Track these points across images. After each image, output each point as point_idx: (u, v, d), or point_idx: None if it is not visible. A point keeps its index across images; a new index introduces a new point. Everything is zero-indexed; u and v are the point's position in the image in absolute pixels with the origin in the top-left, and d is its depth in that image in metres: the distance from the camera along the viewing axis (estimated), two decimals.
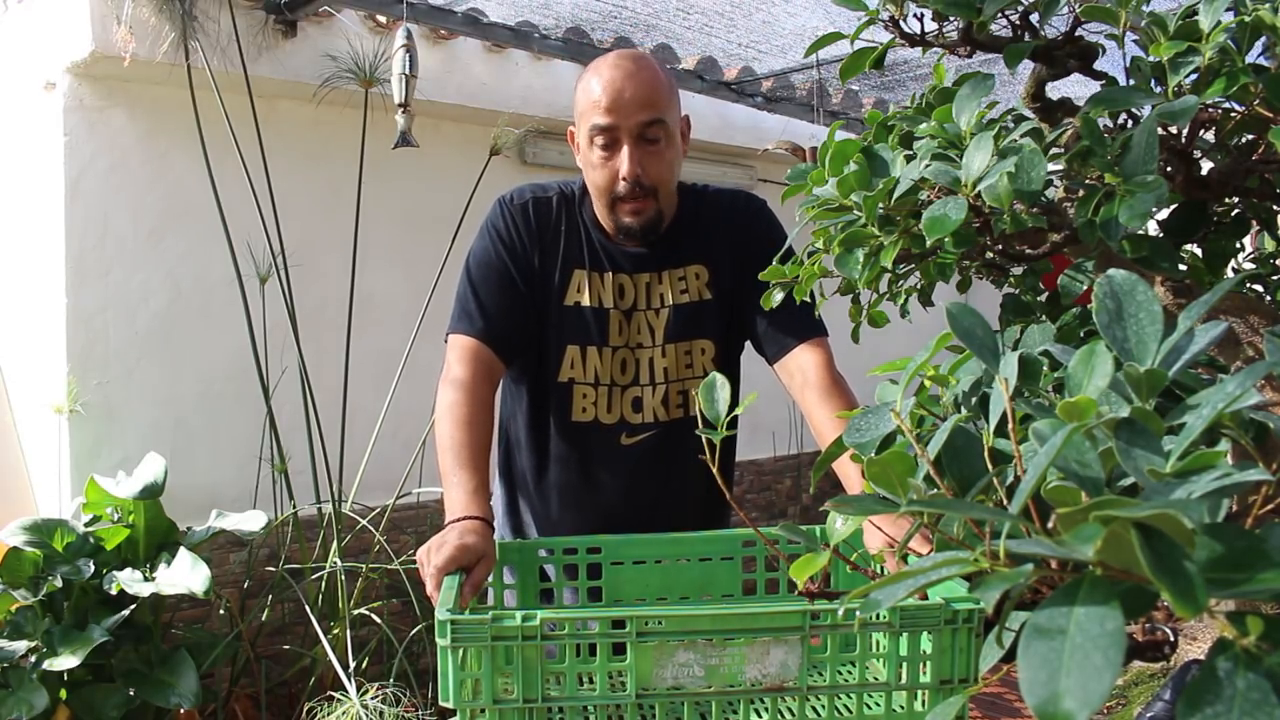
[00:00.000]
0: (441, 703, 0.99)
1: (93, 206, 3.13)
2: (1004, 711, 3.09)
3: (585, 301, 1.57)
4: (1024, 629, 0.46)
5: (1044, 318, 1.46)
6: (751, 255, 1.58)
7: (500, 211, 1.63)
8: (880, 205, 1.10)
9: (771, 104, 4.38)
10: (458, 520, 1.31)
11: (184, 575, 2.59)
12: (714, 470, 1.04)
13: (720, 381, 1.09)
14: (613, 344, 1.57)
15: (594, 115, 1.50)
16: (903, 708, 1.04)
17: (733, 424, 1.65)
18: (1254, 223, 1.28)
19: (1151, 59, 1.06)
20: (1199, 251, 1.32)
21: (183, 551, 2.66)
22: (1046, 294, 1.54)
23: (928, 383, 0.88)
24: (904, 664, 1.02)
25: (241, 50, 3.08)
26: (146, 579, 2.61)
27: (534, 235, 1.60)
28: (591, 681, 1.03)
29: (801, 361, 1.57)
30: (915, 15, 1.19)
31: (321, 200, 3.48)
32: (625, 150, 1.49)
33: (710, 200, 1.67)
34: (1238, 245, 1.29)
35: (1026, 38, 1.16)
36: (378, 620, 2.99)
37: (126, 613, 2.54)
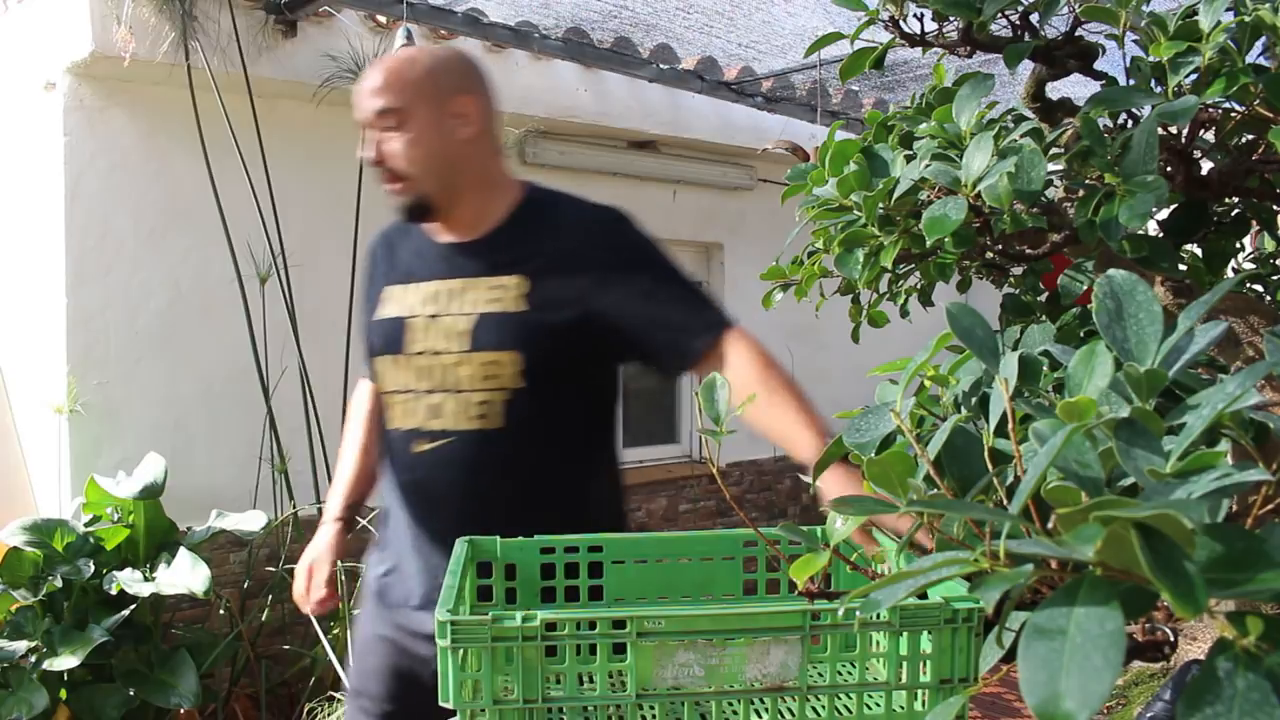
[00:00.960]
0: (442, 703, 0.99)
1: (93, 207, 3.13)
2: (1004, 711, 3.09)
3: (390, 313, 1.61)
4: (1024, 629, 0.46)
5: (1044, 318, 1.46)
6: (609, 277, 1.56)
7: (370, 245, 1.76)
8: (880, 205, 1.10)
9: (771, 104, 4.38)
10: None
11: (184, 575, 2.59)
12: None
13: (720, 382, 1.09)
14: (410, 351, 1.57)
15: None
16: (903, 708, 1.04)
17: (599, 439, 1.62)
18: (1254, 223, 1.28)
19: (1151, 59, 1.06)
20: (1199, 251, 1.32)
21: (183, 551, 2.66)
22: (1046, 294, 1.54)
23: (928, 383, 0.88)
24: (904, 664, 1.02)
25: (241, 50, 3.08)
26: (146, 579, 2.61)
27: (372, 265, 1.72)
28: (591, 681, 1.03)
29: (716, 366, 1.50)
30: (915, 15, 1.19)
31: (321, 200, 3.48)
32: (364, 139, 1.57)
33: (553, 211, 1.64)
34: (1238, 245, 1.29)
35: (1026, 38, 1.16)
36: None
37: (126, 613, 2.54)
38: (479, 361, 1.54)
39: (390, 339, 1.59)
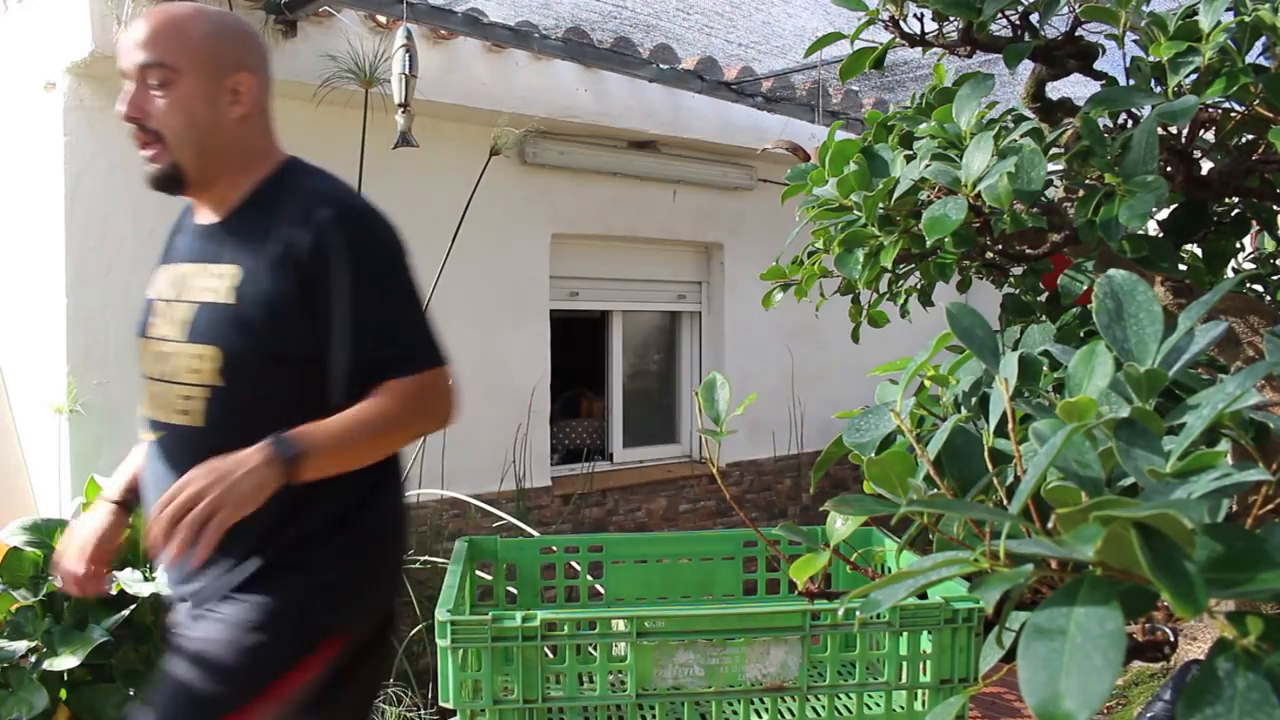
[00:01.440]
0: (442, 703, 0.99)
1: (93, 206, 3.13)
2: (1004, 711, 3.09)
3: (149, 294, 1.56)
4: (1024, 629, 0.46)
5: (1044, 318, 1.46)
6: (312, 274, 1.41)
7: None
8: (880, 205, 1.10)
9: (771, 104, 4.38)
10: None
11: None
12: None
13: (720, 382, 1.09)
14: (148, 335, 1.51)
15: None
16: (903, 708, 1.04)
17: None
18: (1254, 222, 1.28)
19: (1151, 59, 1.06)
20: (1199, 251, 1.32)
21: None
22: (1046, 294, 1.54)
23: (928, 383, 0.88)
24: (904, 664, 1.02)
25: None
26: (147, 579, 2.61)
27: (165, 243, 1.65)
28: (591, 681, 1.03)
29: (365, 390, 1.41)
30: (915, 15, 1.19)
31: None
32: (125, 90, 1.44)
33: (298, 195, 1.50)
34: (1238, 245, 1.29)
35: (1026, 38, 1.16)
36: None
37: (126, 613, 2.54)
38: (187, 354, 1.45)
39: (141, 320, 1.54)
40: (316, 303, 1.41)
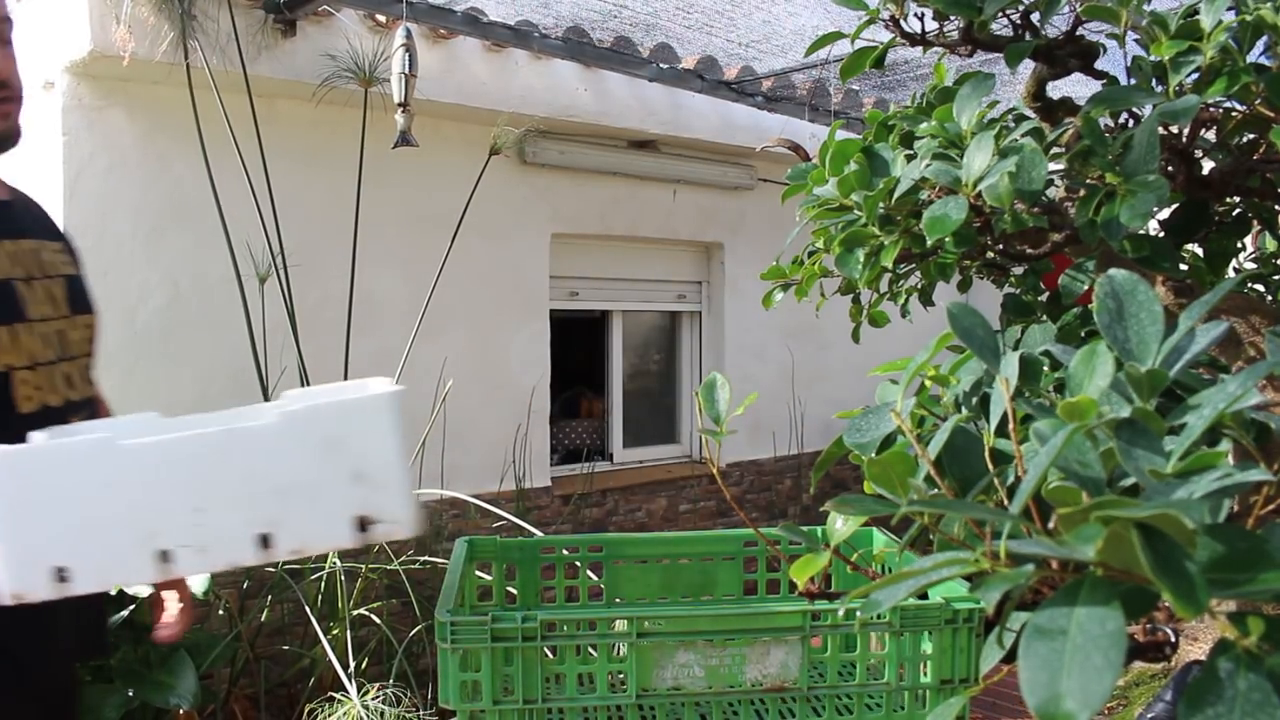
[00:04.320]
0: (442, 703, 0.99)
1: (91, 206, 3.13)
2: (1004, 712, 3.09)
3: None
4: (1025, 629, 0.46)
5: (1045, 318, 1.46)
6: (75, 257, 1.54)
7: None
8: (881, 205, 1.10)
9: (772, 104, 4.38)
10: None
11: None
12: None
13: (720, 382, 1.09)
14: (30, 317, 1.36)
15: None
16: (903, 708, 1.03)
17: None
18: (1255, 222, 1.28)
19: (1153, 58, 1.05)
20: (1200, 251, 1.32)
21: None
22: (1047, 294, 1.54)
23: (928, 383, 0.87)
24: (905, 664, 1.02)
25: (241, 50, 3.08)
26: None
27: None
28: (591, 682, 1.03)
29: None
30: (916, 15, 1.19)
31: (321, 200, 3.48)
32: None
33: (12, 186, 1.53)
34: (1239, 245, 1.28)
35: (1027, 37, 1.16)
36: (377, 621, 2.98)
37: (125, 613, 2.54)
38: (81, 324, 1.46)
39: (6, 306, 1.34)
40: None
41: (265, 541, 1.00)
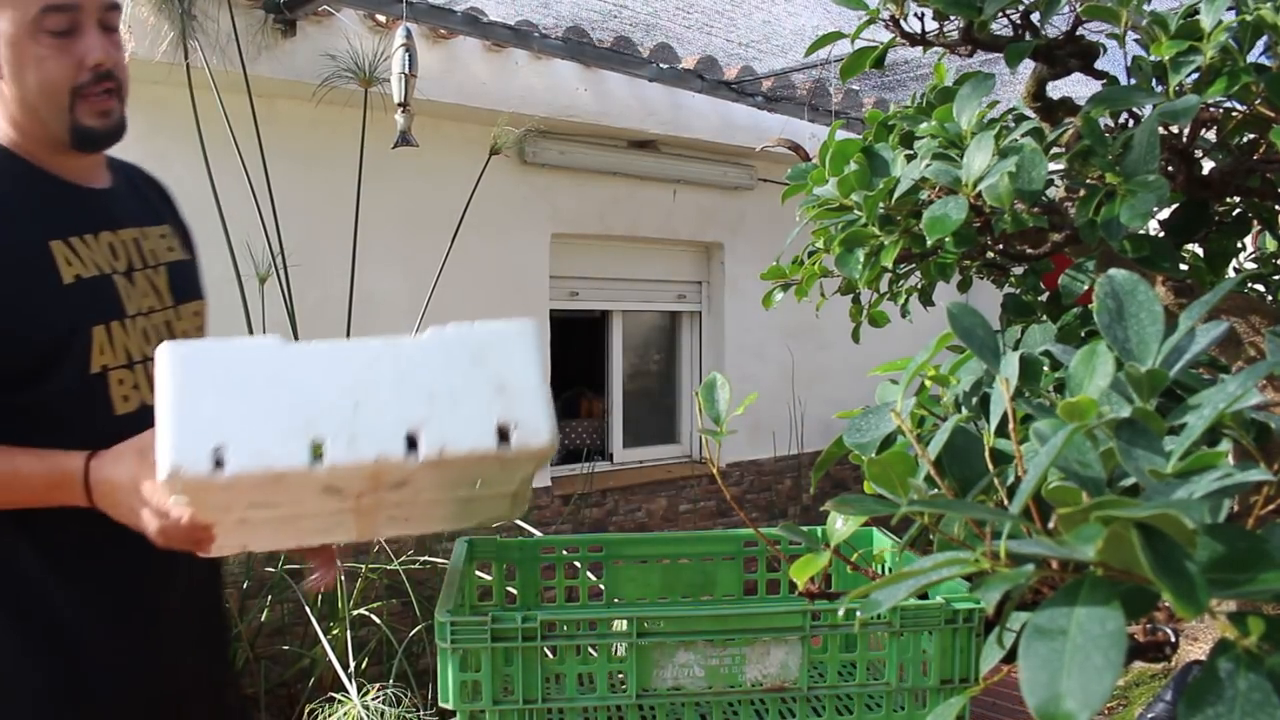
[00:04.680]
0: (442, 704, 0.99)
1: None
2: (1004, 712, 3.09)
3: (86, 273, 1.29)
4: (1025, 630, 0.46)
5: (1045, 318, 1.46)
6: (188, 239, 1.53)
7: None
8: (881, 205, 1.10)
9: (772, 104, 4.38)
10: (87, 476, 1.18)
11: None
12: (715, 475, 1.04)
13: (720, 382, 1.09)
14: (130, 313, 1.32)
15: None
16: (904, 708, 1.03)
17: None
18: (1255, 222, 1.28)
19: (1153, 58, 1.05)
20: (1200, 251, 1.32)
21: None
22: (1047, 294, 1.54)
23: (928, 383, 0.87)
24: (905, 664, 1.02)
25: (241, 50, 3.08)
26: None
27: None
28: (591, 682, 1.03)
29: None
30: (916, 15, 1.19)
31: (321, 200, 3.48)
32: (93, 35, 1.26)
33: (124, 163, 1.49)
34: (1239, 245, 1.28)
35: (1027, 37, 1.16)
36: (377, 621, 2.98)
37: None
38: (189, 313, 1.43)
39: (107, 300, 1.30)
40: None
41: (411, 442, 1.06)
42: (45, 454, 1.20)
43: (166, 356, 1.06)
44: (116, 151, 1.41)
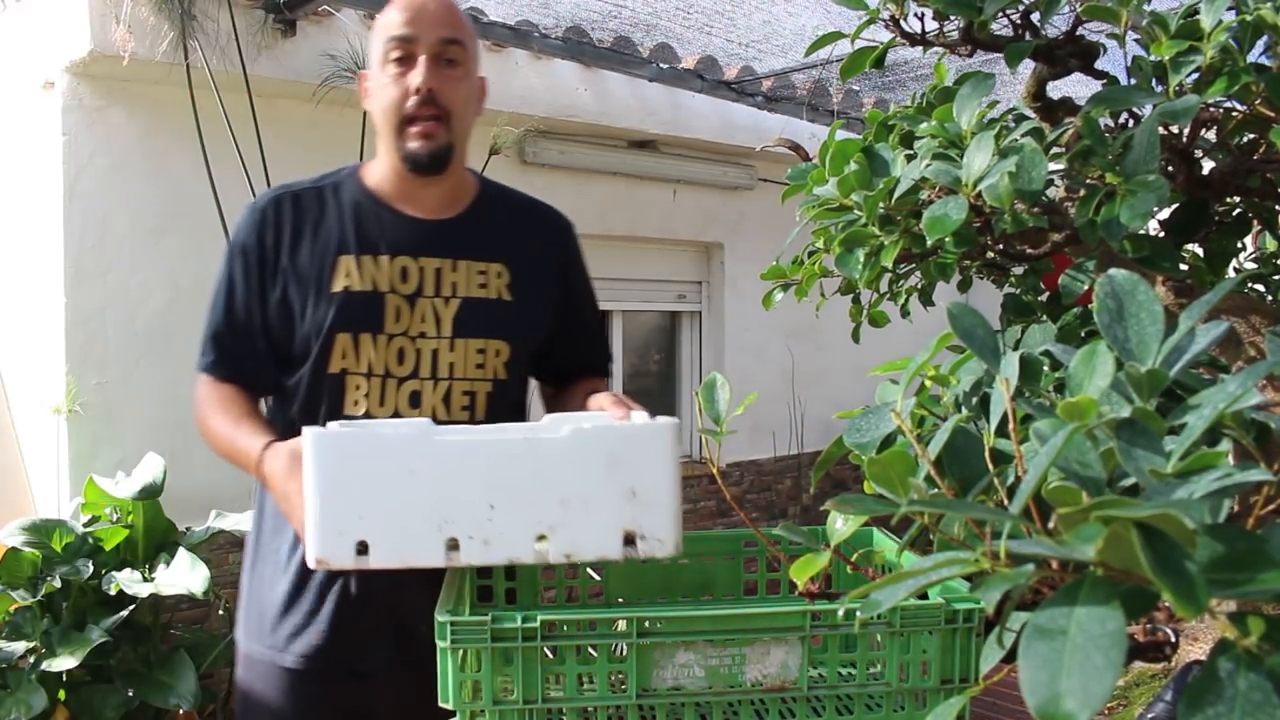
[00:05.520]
0: (441, 704, 0.99)
1: (92, 206, 3.13)
2: (1004, 712, 3.09)
3: (355, 286, 1.44)
4: (1025, 629, 0.46)
5: (1045, 318, 1.46)
6: (570, 277, 1.61)
7: (243, 220, 1.52)
8: (881, 205, 1.10)
9: (772, 104, 4.38)
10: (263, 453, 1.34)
11: (183, 575, 2.59)
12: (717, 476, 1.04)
13: (720, 382, 1.09)
14: (389, 331, 1.45)
15: (392, 30, 1.43)
16: (904, 708, 1.03)
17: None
18: (1255, 222, 1.28)
19: (1153, 58, 1.05)
20: (1200, 251, 1.32)
21: (182, 552, 2.66)
22: (1047, 294, 1.54)
23: (928, 383, 0.87)
24: (905, 664, 1.02)
25: (240, 49, 3.08)
26: (145, 579, 2.61)
27: (278, 232, 1.48)
28: (592, 682, 1.03)
29: (572, 380, 1.62)
30: (916, 15, 1.19)
31: None
32: (421, 64, 1.41)
33: (516, 202, 1.62)
34: (1239, 245, 1.28)
35: (1027, 37, 1.16)
36: None
37: (125, 613, 2.54)
38: (468, 349, 1.48)
39: (366, 314, 1.44)
40: (564, 305, 1.58)
41: (541, 542, 1.10)
42: (253, 434, 1.39)
43: (310, 441, 1.11)
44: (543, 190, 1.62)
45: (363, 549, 1.10)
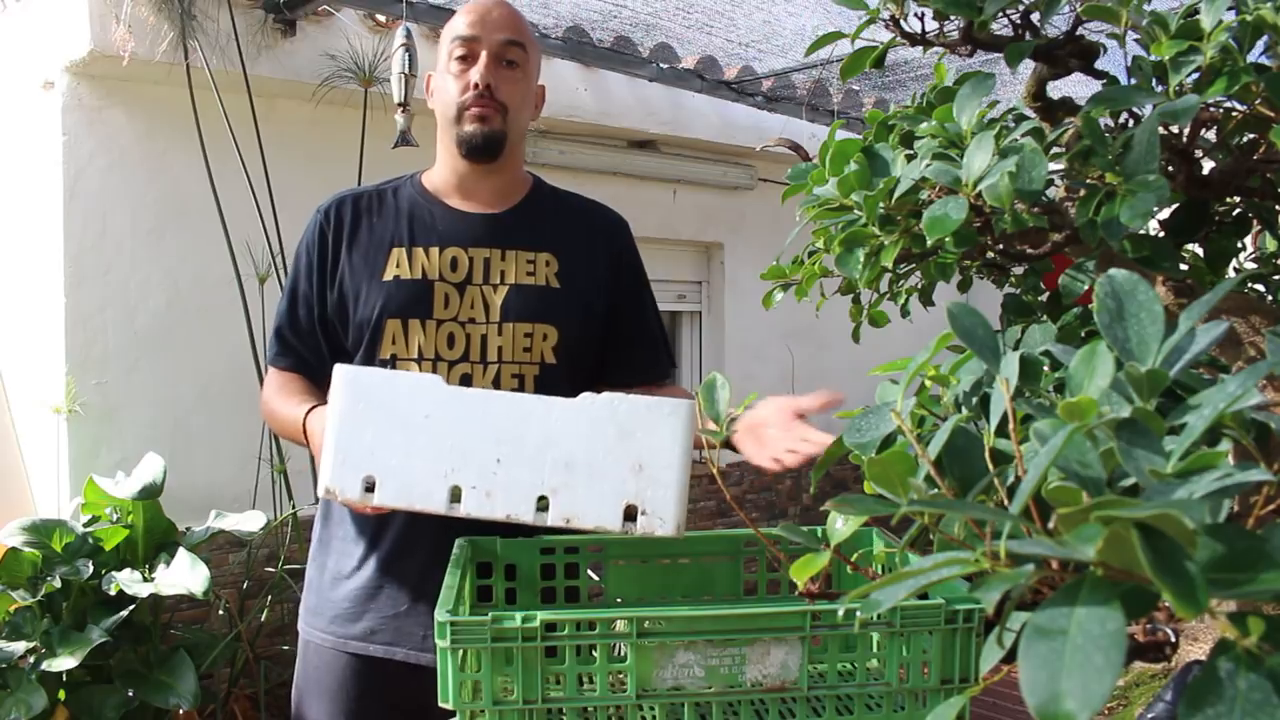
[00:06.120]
0: (441, 703, 0.99)
1: (91, 206, 3.13)
2: (1004, 712, 3.09)
3: (405, 275, 1.54)
4: (1025, 629, 0.46)
5: (1045, 317, 1.46)
6: (622, 272, 1.65)
7: (310, 222, 1.65)
8: (881, 205, 1.10)
9: (772, 104, 4.38)
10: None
11: (183, 576, 2.59)
12: (716, 473, 1.03)
13: (720, 381, 1.09)
14: (438, 317, 1.53)
15: (457, 31, 1.53)
16: (904, 708, 1.03)
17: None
18: (1255, 222, 1.28)
19: (1153, 58, 1.05)
20: (1200, 251, 1.32)
21: (182, 552, 2.66)
22: (1047, 294, 1.54)
23: (928, 383, 0.87)
24: (905, 665, 1.02)
25: (240, 49, 3.08)
26: (145, 579, 2.61)
27: (338, 231, 1.60)
28: (591, 682, 1.03)
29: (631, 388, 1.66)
30: (916, 14, 1.18)
31: (321, 200, 3.48)
32: (482, 61, 1.50)
33: (567, 201, 1.69)
34: (1239, 245, 1.28)
35: (1027, 37, 1.16)
36: None
37: (125, 613, 2.54)
38: (516, 333, 1.53)
39: (415, 301, 1.53)
40: (618, 299, 1.63)
41: (542, 504, 1.10)
42: (303, 404, 1.50)
43: (339, 377, 1.14)
44: (576, 185, 1.67)
45: (370, 486, 1.12)
